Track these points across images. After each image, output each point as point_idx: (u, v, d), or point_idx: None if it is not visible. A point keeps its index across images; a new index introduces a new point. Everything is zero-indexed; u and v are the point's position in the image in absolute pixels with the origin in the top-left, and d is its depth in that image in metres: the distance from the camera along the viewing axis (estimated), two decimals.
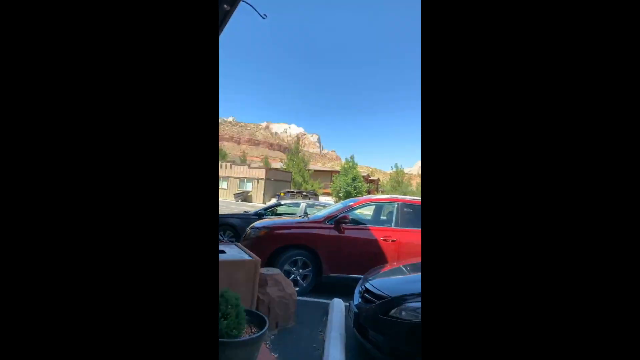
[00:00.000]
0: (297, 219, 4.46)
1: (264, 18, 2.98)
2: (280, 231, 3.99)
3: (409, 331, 2.01)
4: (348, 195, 24.58)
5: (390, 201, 4.44)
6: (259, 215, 6.38)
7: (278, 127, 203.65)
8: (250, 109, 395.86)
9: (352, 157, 28.28)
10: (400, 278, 2.73)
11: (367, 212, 4.84)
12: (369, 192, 29.58)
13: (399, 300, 2.15)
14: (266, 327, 2.03)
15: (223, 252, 2.80)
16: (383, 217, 4.57)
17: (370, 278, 2.72)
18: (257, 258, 2.68)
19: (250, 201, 25.25)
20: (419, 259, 3.29)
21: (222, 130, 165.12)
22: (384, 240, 3.97)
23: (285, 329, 2.90)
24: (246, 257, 2.74)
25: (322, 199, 22.74)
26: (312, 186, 27.68)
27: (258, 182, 27.13)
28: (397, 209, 4.22)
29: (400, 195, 6.08)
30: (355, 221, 4.20)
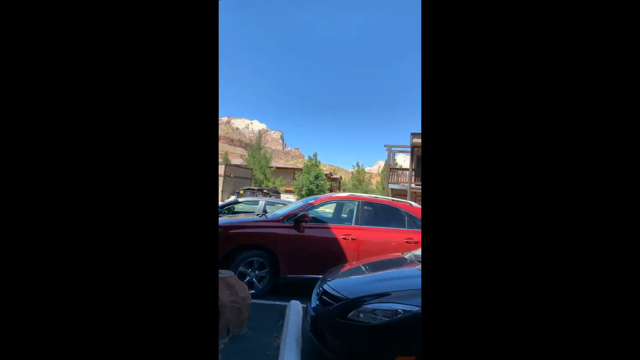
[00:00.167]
0: (254, 217, 4.24)
1: None
2: (235, 231, 3.75)
3: (368, 334, 1.92)
4: (310, 193, 24.55)
5: (350, 199, 4.38)
6: None
7: (240, 123, 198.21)
8: None
9: (315, 155, 28.29)
10: (359, 278, 2.66)
11: (328, 209, 4.75)
12: (331, 190, 29.82)
13: (357, 301, 2.06)
14: None
15: None
16: (344, 215, 4.51)
17: (328, 279, 2.61)
18: None
19: None
20: (377, 257, 3.25)
21: None
22: (344, 239, 3.90)
23: (238, 335, 2.70)
24: None
25: (284, 196, 22.48)
26: (274, 184, 27.23)
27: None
28: (358, 207, 4.17)
29: (361, 193, 6.13)
30: (316, 219, 4.08)
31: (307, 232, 3.86)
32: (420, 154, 16.19)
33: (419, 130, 15.14)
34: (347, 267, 2.99)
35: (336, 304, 2.15)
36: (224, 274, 2.92)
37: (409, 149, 16.07)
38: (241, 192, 12.96)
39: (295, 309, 3.11)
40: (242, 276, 3.60)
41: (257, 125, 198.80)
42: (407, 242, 3.98)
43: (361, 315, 1.98)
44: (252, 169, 27.51)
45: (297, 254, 3.79)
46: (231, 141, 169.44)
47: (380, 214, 4.24)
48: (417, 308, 1.85)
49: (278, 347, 2.50)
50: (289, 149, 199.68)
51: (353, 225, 4.05)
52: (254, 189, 12.45)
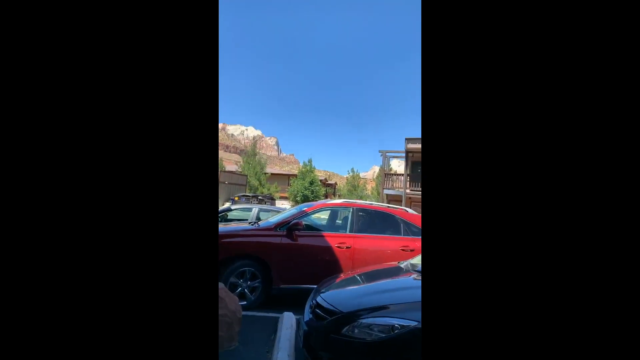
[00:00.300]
0: (246, 226, 4.12)
1: None
2: (226, 240, 3.62)
3: (363, 352, 1.82)
4: (305, 199, 24.41)
5: (345, 206, 4.29)
6: None
7: (234, 129, 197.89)
8: None
9: (310, 161, 28.22)
10: (353, 290, 2.55)
11: (323, 216, 4.65)
12: (326, 196, 29.72)
13: (352, 316, 1.95)
14: None
15: None
16: (338, 223, 4.41)
17: (322, 290, 2.51)
18: None
19: None
20: (373, 267, 3.16)
21: None
22: (339, 247, 3.79)
23: (227, 351, 2.56)
24: None
25: (279, 203, 22.30)
26: (269, 190, 27.06)
27: None
28: (352, 214, 4.08)
29: (356, 199, 6.01)
30: (310, 227, 3.98)
31: (301, 240, 3.75)
32: (415, 159, 16.22)
33: (414, 136, 15.21)
34: (341, 277, 2.89)
35: (330, 318, 2.05)
36: None
37: (404, 154, 16.09)
38: (236, 198, 12.79)
39: (288, 322, 2.99)
40: (233, 287, 3.47)
41: (252, 132, 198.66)
42: (403, 249, 3.89)
43: (356, 330, 1.88)
44: (246, 175, 27.35)
45: (291, 263, 3.67)
46: (226, 147, 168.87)
47: (375, 221, 4.15)
48: (416, 323, 1.75)
49: None
50: (284, 155, 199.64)
51: (348, 233, 3.95)
52: (249, 196, 12.29)
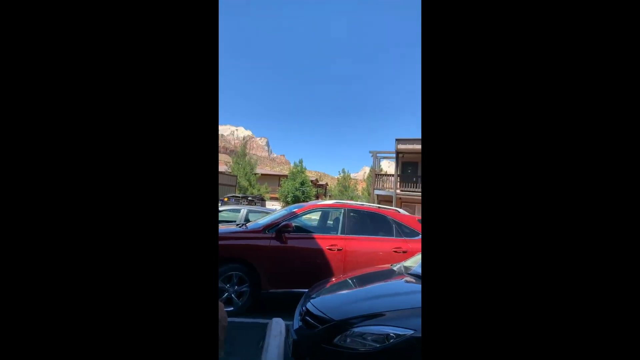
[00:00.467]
0: (233, 227, 3.96)
1: None
2: None
3: None
4: (296, 199, 24.23)
5: (336, 207, 4.17)
6: None
7: (224, 129, 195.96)
8: None
9: (300, 161, 28.06)
10: (345, 295, 2.44)
11: (314, 217, 4.52)
12: (317, 197, 29.59)
13: (344, 324, 1.84)
14: None
15: None
16: (329, 224, 4.29)
17: (312, 296, 2.39)
18: None
19: None
20: (365, 270, 3.05)
21: None
22: (330, 249, 3.68)
23: None
24: None
25: (270, 204, 22.04)
26: (259, 191, 26.78)
27: None
28: (344, 215, 3.97)
29: (347, 200, 5.87)
30: (300, 229, 3.85)
31: (290, 243, 3.62)
32: (405, 160, 16.27)
33: (404, 137, 15.25)
34: (332, 281, 2.77)
35: (321, 327, 1.93)
36: None
37: (394, 155, 16.11)
38: (225, 199, 12.55)
39: (277, 329, 2.85)
40: (220, 292, 3.31)
41: (242, 132, 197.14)
42: (395, 251, 3.80)
43: (348, 340, 1.76)
44: (236, 176, 27.02)
45: (280, 266, 3.54)
46: None
47: (367, 223, 4.05)
48: (412, 331, 1.65)
49: None
50: (275, 155, 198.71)
51: (339, 234, 3.84)
52: (239, 197, 12.08)
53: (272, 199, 27.26)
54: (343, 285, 2.65)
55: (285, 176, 29.93)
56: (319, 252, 3.65)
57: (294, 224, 3.70)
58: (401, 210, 4.41)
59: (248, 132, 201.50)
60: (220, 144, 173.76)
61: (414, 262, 2.87)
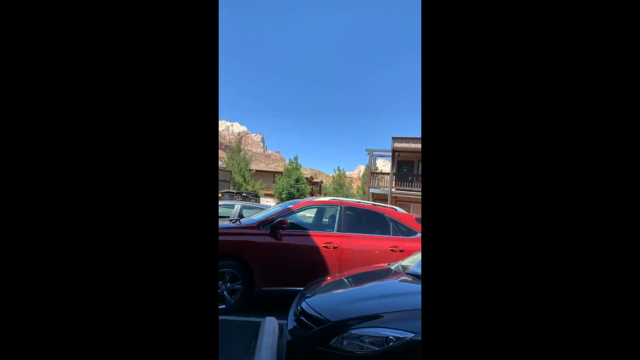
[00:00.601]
0: (227, 223, 3.85)
1: None
2: None
3: None
4: (291, 196, 24.11)
5: (332, 204, 4.09)
6: None
7: (219, 125, 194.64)
8: None
9: (296, 158, 27.91)
10: (342, 295, 2.36)
11: (309, 214, 4.43)
12: (312, 194, 29.50)
13: (341, 325, 1.76)
14: None
15: None
16: (325, 221, 4.21)
17: (307, 295, 2.30)
18: None
19: None
20: (361, 269, 2.97)
21: None
22: (325, 247, 3.59)
23: None
24: None
25: (264, 200, 21.89)
26: (253, 187, 26.60)
27: None
28: (340, 212, 3.88)
29: (343, 197, 5.78)
30: (295, 226, 3.76)
31: (285, 239, 3.53)
32: (401, 158, 16.25)
33: (400, 135, 15.21)
34: (328, 280, 2.69)
35: (316, 328, 1.84)
36: None
37: (390, 153, 16.07)
38: (219, 195, 12.42)
39: (270, 328, 2.76)
40: None
41: (237, 128, 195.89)
42: (392, 250, 3.73)
43: (345, 342, 1.68)
44: (230, 172, 26.81)
45: (274, 264, 3.45)
46: None
47: (363, 220, 3.98)
48: (413, 334, 1.57)
49: None
50: (270, 152, 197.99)
51: (335, 232, 3.75)
52: (233, 192, 11.95)
53: (266, 195, 27.11)
54: (339, 284, 2.57)
55: (280, 173, 29.79)
56: (315, 249, 3.56)
57: (289, 221, 3.61)
58: (398, 209, 4.34)
59: (243, 128, 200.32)
60: None
61: (412, 261, 2.81)
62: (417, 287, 2.03)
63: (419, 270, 2.42)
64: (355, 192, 35.54)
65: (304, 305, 2.11)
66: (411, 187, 15.10)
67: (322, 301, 2.14)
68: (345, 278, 2.68)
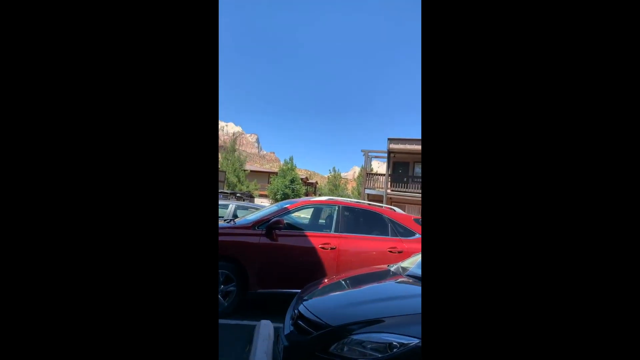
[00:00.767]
0: (221, 223, 3.74)
1: None
2: None
3: None
4: (286, 197, 23.97)
5: (330, 203, 4.00)
6: None
7: None
8: None
9: (291, 159, 27.78)
10: (341, 297, 2.26)
11: (305, 215, 4.34)
12: (307, 195, 29.38)
13: (342, 330, 1.66)
14: None
15: None
16: (322, 222, 4.11)
17: (305, 298, 2.21)
18: None
19: None
20: (360, 270, 2.89)
21: None
22: (323, 248, 3.50)
23: None
24: None
25: (259, 200, 21.71)
26: (248, 187, 26.39)
27: None
28: (337, 212, 3.80)
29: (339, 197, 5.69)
30: (291, 226, 3.66)
31: (281, 240, 3.43)
32: (396, 159, 16.24)
33: (396, 136, 15.20)
34: (325, 282, 2.60)
35: (315, 333, 1.75)
36: None
37: (386, 154, 16.05)
38: None
39: (265, 332, 2.66)
40: None
41: (232, 128, 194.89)
42: (390, 251, 3.66)
43: (346, 348, 1.59)
44: (225, 172, 26.58)
45: (269, 265, 3.35)
46: None
47: (361, 221, 3.90)
48: (417, 340, 1.49)
49: None
50: (265, 152, 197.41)
51: (332, 232, 3.66)
52: (227, 192, 11.80)
53: (261, 196, 26.93)
54: (338, 286, 2.48)
55: (275, 173, 29.64)
56: (312, 250, 3.47)
57: (285, 221, 3.51)
58: (396, 209, 4.27)
59: (238, 128, 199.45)
60: None
61: (412, 262, 2.73)
62: (419, 289, 1.95)
63: (419, 272, 2.34)
64: (350, 193, 35.52)
65: (301, 308, 2.02)
66: (406, 188, 15.09)
67: (320, 304, 2.05)
68: (344, 280, 2.59)
